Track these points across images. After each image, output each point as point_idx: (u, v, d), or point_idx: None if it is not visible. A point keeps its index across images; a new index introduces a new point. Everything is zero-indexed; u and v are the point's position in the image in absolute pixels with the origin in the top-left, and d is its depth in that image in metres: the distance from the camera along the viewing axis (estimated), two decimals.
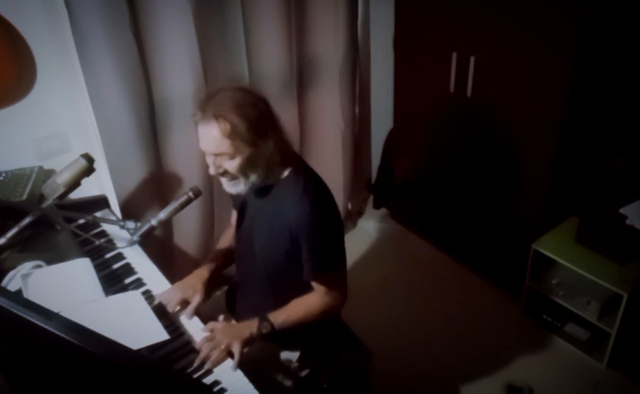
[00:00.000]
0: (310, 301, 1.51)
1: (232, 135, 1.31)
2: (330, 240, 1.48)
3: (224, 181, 1.43)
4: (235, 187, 1.43)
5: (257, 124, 1.32)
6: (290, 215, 1.41)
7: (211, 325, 1.44)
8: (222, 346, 1.34)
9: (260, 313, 1.47)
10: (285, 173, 1.46)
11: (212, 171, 1.40)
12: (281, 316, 1.46)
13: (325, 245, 1.46)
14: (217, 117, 1.30)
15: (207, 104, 1.33)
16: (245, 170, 1.37)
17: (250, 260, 1.59)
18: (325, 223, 1.45)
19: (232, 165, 1.36)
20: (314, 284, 1.50)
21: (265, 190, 1.48)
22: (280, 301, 1.53)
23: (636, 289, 2.02)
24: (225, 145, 1.32)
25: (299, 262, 1.47)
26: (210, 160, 1.39)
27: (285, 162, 1.45)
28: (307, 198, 1.40)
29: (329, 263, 1.49)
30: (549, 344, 2.36)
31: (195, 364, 1.32)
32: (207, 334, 1.41)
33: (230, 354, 1.36)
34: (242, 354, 1.35)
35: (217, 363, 1.33)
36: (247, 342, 1.39)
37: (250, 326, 1.43)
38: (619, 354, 2.19)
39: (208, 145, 1.35)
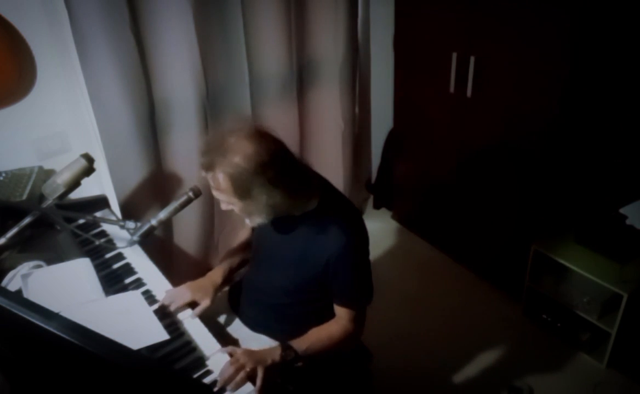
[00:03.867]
0: (332, 330, 1.49)
1: (219, 187, 1.32)
2: (366, 271, 1.49)
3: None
4: (247, 221, 1.45)
5: (240, 183, 1.29)
6: (328, 247, 1.39)
7: (231, 348, 1.39)
8: (247, 369, 1.29)
9: (263, 322, 1.46)
10: (313, 204, 1.44)
11: (223, 207, 1.42)
12: (304, 344, 1.43)
13: (362, 276, 1.48)
14: (206, 169, 1.32)
15: (208, 150, 1.32)
16: (248, 214, 1.39)
17: (267, 279, 1.59)
18: (363, 255, 1.47)
19: (236, 208, 1.38)
20: (340, 312, 1.49)
21: (291, 220, 1.45)
22: (290, 319, 1.53)
23: (636, 289, 2.02)
24: (220, 195, 1.35)
25: (326, 290, 1.47)
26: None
27: (310, 193, 1.44)
28: (345, 230, 1.40)
29: (365, 294, 1.50)
30: (549, 344, 2.36)
31: (218, 386, 1.26)
32: (227, 357, 1.35)
33: (251, 378, 1.31)
34: (265, 380, 1.30)
35: (240, 385, 1.28)
36: (270, 369, 1.34)
37: (272, 354, 1.38)
38: (619, 354, 2.19)
39: (212, 189, 1.37)
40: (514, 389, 2.14)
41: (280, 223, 1.48)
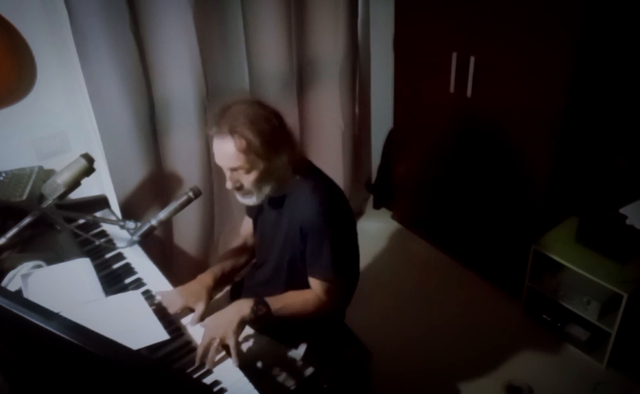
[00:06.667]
0: (308, 297, 1.51)
1: (247, 150, 1.33)
2: (337, 241, 1.47)
3: (238, 195, 1.47)
4: (248, 200, 1.46)
5: (270, 139, 1.35)
6: (300, 215, 1.43)
7: (206, 320, 1.41)
8: (216, 343, 1.32)
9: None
10: (296, 179, 1.47)
11: (229, 185, 1.42)
12: (278, 304, 1.45)
13: (332, 245, 1.45)
14: (232, 132, 1.32)
15: (222, 119, 1.34)
16: (260, 183, 1.40)
17: (271, 268, 1.60)
18: (334, 224, 1.46)
19: (248, 179, 1.39)
20: (313, 284, 1.50)
21: (279, 200, 1.49)
22: None
23: (636, 289, 2.02)
24: (241, 160, 1.35)
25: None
26: (227, 174, 1.41)
27: (297, 170, 1.47)
28: (317, 198, 1.43)
29: (333, 264, 1.47)
30: (549, 344, 2.36)
31: (196, 364, 1.31)
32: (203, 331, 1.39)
33: (227, 347, 1.34)
34: (237, 345, 1.34)
35: (214, 360, 1.31)
36: (240, 327, 1.37)
37: (241, 309, 1.39)
38: (619, 354, 2.19)
39: (224, 161, 1.38)
40: (513, 389, 2.14)
41: (274, 205, 1.51)
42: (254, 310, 1.39)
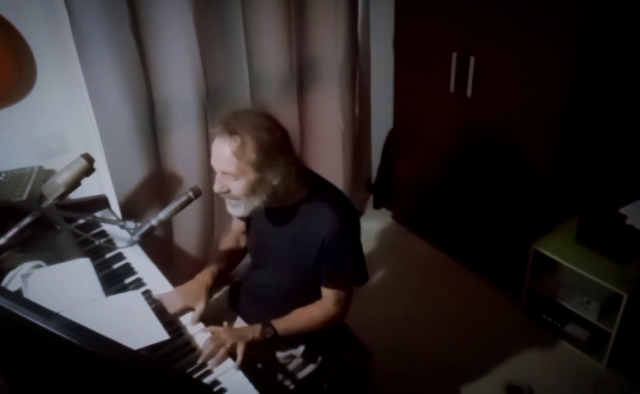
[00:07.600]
0: (314, 312, 1.52)
1: (240, 154, 1.32)
2: (359, 252, 1.52)
3: (226, 201, 1.46)
4: (236, 209, 1.44)
5: (266, 149, 1.33)
6: (323, 229, 1.42)
7: (213, 328, 1.44)
8: (227, 345, 1.35)
9: (264, 320, 1.48)
10: (304, 193, 1.47)
11: (216, 188, 1.41)
12: (284, 324, 1.48)
13: (356, 256, 1.50)
14: (230, 133, 1.33)
15: (229, 120, 1.35)
16: (248, 193, 1.38)
17: (269, 275, 1.60)
18: (355, 236, 1.49)
19: (236, 186, 1.38)
20: (327, 294, 1.51)
21: (282, 212, 1.48)
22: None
23: (636, 289, 2.02)
24: (232, 165, 1.34)
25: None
26: (217, 177, 1.41)
27: (302, 184, 1.47)
28: (338, 212, 1.44)
29: (358, 274, 1.53)
30: (549, 344, 2.36)
31: (200, 361, 1.32)
32: (209, 334, 1.40)
33: (232, 355, 1.35)
34: (245, 355, 1.35)
35: (221, 361, 1.33)
36: (250, 345, 1.40)
37: (253, 331, 1.44)
38: (619, 354, 2.19)
39: (217, 162, 1.38)
40: (514, 389, 2.14)
41: (274, 215, 1.51)
42: (262, 333, 1.44)
